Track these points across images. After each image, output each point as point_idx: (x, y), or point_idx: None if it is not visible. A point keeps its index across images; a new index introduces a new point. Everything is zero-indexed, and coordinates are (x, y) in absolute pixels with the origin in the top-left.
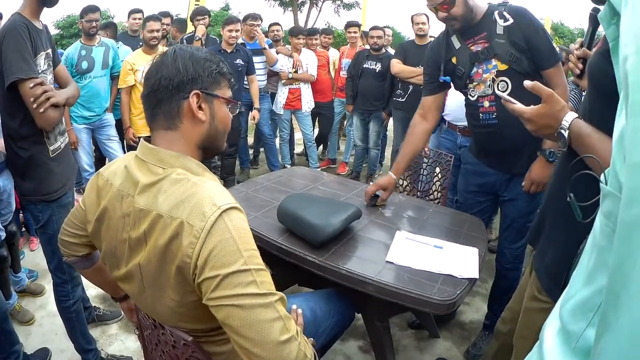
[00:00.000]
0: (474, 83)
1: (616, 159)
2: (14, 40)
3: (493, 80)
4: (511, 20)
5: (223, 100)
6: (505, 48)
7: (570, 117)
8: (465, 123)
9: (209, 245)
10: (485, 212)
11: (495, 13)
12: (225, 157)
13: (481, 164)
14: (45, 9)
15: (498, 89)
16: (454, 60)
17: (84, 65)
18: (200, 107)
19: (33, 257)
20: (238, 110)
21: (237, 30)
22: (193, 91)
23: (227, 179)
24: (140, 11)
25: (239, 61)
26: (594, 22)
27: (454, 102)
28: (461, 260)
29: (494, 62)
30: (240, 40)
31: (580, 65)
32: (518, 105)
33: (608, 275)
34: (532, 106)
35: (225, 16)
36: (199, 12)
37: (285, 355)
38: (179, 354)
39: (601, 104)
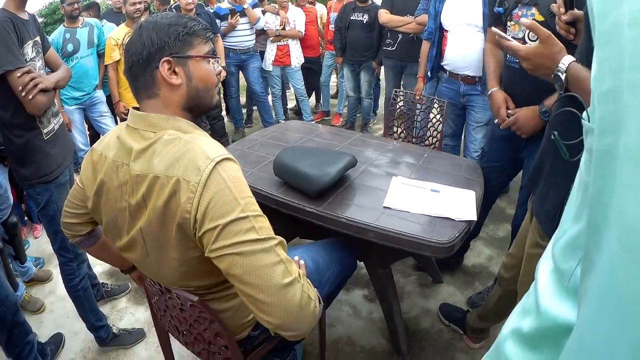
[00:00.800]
0: (512, 22)
1: (594, 94)
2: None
3: None
4: None
5: (198, 59)
6: (547, 2)
7: (567, 60)
8: (467, 72)
9: (207, 198)
10: (504, 169)
11: None
12: (212, 120)
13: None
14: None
15: (529, 37)
16: None
17: (70, 47)
18: (174, 72)
19: (37, 244)
20: (218, 60)
21: None
22: (162, 59)
23: (221, 141)
24: None
25: None
26: None
27: (454, 52)
28: (458, 203)
29: (533, 10)
30: (224, 5)
31: (573, 30)
32: (513, 43)
33: (588, 209)
34: (529, 44)
35: None
36: None
37: (290, 297)
38: (187, 316)
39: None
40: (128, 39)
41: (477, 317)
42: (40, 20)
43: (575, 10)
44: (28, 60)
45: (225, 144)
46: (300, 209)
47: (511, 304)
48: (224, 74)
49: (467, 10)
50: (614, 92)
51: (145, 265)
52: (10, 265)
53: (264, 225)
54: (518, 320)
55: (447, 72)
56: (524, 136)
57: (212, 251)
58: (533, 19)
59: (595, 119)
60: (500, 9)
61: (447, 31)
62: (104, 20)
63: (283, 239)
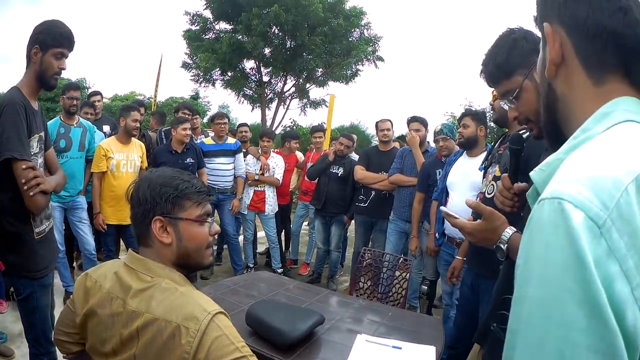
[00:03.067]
0: (484, 180)
1: None
2: (12, 117)
3: (489, 182)
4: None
5: (188, 221)
6: (506, 159)
7: (508, 232)
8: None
9: (206, 343)
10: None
11: None
12: None
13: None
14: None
15: (487, 192)
16: None
17: (62, 144)
18: (166, 230)
19: (2, 319)
20: (212, 221)
21: (189, 129)
22: (155, 218)
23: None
24: (98, 93)
25: (189, 160)
26: (515, 155)
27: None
28: (419, 359)
29: (496, 167)
30: (208, 140)
31: (518, 204)
32: (459, 220)
33: None
34: (472, 221)
35: (195, 104)
36: (185, 106)
37: None
38: None
39: None
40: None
41: None
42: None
43: (520, 184)
44: (32, 154)
45: (193, 278)
46: (270, 359)
47: None
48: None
49: (470, 174)
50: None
51: None
52: None
53: None
54: None
55: (446, 237)
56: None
57: None
58: (494, 175)
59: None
60: (482, 166)
61: (448, 195)
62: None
63: None
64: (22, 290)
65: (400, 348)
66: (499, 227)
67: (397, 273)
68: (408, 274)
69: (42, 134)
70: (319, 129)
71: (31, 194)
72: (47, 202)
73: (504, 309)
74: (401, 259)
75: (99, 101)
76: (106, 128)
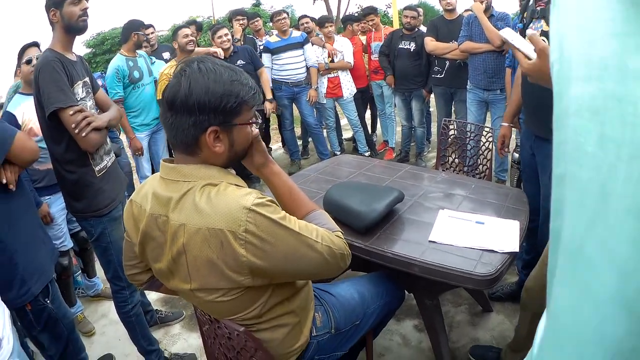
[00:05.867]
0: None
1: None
2: (48, 74)
3: None
4: None
5: (242, 125)
6: None
7: None
8: None
9: (255, 239)
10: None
11: None
12: None
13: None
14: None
15: None
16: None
17: (136, 74)
18: (219, 138)
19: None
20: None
21: (226, 35)
22: (210, 128)
23: (251, 176)
24: (150, 25)
25: (239, 62)
26: None
27: None
28: (502, 234)
29: (542, 22)
30: (273, 38)
31: None
32: (520, 54)
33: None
34: (531, 60)
35: (257, 12)
36: (237, 13)
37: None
38: (235, 344)
39: None
40: (168, 87)
41: (511, 351)
42: (87, 51)
43: None
44: (79, 100)
45: (255, 180)
46: (349, 244)
47: None
48: (269, 107)
49: None
50: (562, 179)
51: (195, 300)
52: (79, 278)
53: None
54: None
55: None
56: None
57: None
58: (542, 31)
59: (551, 199)
60: (521, 24)
61: None
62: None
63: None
64: (93, 230)
65: (483, 223)
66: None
67: (481, 143)
68: (492, 144)
69: (87, 79)
70: (369, 11)
71: (83, 134)
72: (103, 139)
73: None
74: (485, 128)
75: (152, 33)
76: (166, 55)
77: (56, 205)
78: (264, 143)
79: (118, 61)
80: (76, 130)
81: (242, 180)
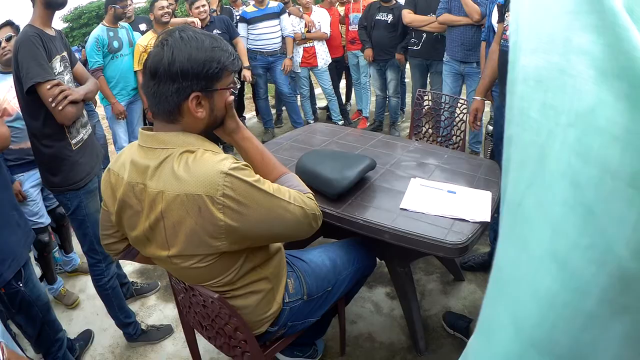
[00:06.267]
0: (508, 12)
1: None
2: (27, 49)
3: None
4: None
5: (222, 90)
6: None
7: None
8: None
9: (232, 203)
10: None
11: None
12: None
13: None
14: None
15: None
16: None
17: (115, 44)
18: (199, 103)
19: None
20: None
21: (203, 6)
22: (192, 94)
23: (224, 146)
24: None
25: (215, 32)
26: None
27: None
28: (474, 204)
29: None
30: (249, 8)
31: None
32: None
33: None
34: None
35: None
36: None
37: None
38: (209, 312)
39: None
40: (150, 56)
41: None
42: (65, 25)
43: None
44: (57, 74)
45: (229, 149)
46: (322, 211)
47: None
48: (248, 75)
49: None
50: (510, 140)
51: (170, 267)
52: (56, 254)
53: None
54: None
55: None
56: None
57: None
58: None
59: (502, 159)
60: (502, 0)
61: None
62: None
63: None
64: (69, 204)
65: (455, 193)
66: None
67: (455, 114)
68: (466, 116)
69: (65, 53)
70: None
71: (60, 107)
72: (78, 112)
73: None
74: (459, 100)
75: (130, 5)
76: (143, 27)
77: (30, 182)
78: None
79: (99, 31)
80: (53, 104)
81: (218, 147)
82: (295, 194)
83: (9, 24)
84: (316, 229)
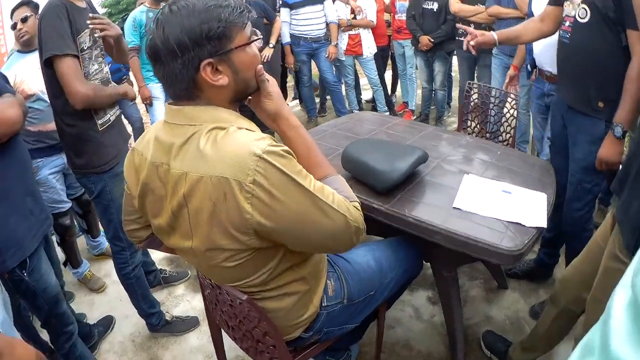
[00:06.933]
0: (567, 1)
1: None
2: (48, 20)
3: (578, 5)
4: None
5: (241, 48)
6: None
7: None
8: (552, 69)
9: (263, 194)
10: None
11: None
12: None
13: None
14: None
15: (579, 15)
16: None
17: (152, 26)
18: (218, 70)
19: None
20: (261, 40)
21: None
22: (202, 63)
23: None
24: None
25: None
26: None
27: (538, 45)
28: (529, 207)
29: None
30: None
31: None
32: None
33: None
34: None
35: None
36: None
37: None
38: (237, 313)
39: None
40: (148, 36)
41: (521, 349)
42: (103, 11)
43: None
44: (85, 49)
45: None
46: (367, 205)
47: (566, 328)
48: (268, 53)
49: None
50: None
51: (196, 262)
52: (83, 238)
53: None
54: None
55: (536, 69)
56: (613, 167)
57: None
58: None
59: None
60: None
61: None
62: None
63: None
64: (93, 187)
65: (510, 193)
66: None
67: (505, 110)
68: (516, 112)
69: None
70: None
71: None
72: (96, 98)
73: None
74: (510, 94)
75: None
76: None
77: (49, 168)
78: (274, 83)
79: (137, 12)
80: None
81: (255, 125)
82: (340, 200)
83: (26, 3)
84: (356, 244)
